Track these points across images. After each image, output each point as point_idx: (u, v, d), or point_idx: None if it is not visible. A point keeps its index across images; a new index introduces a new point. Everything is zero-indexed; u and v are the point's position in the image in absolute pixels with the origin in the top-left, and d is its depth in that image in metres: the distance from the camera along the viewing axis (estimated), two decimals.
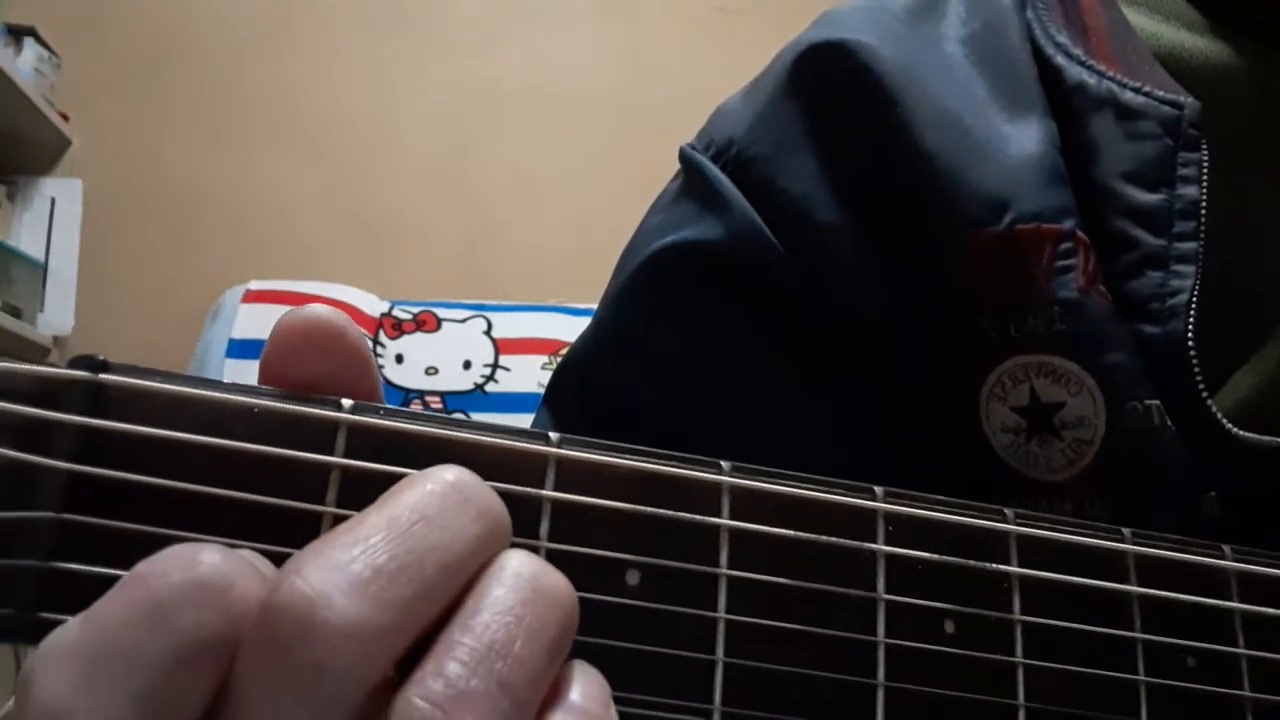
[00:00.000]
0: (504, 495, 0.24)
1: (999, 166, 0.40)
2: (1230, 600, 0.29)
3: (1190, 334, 0.36)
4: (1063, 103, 0.41)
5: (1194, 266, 0.37)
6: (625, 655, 0.25)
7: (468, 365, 1.82)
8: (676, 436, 0.30)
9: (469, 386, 1.81)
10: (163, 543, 0.22)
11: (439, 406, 1.78)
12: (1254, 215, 0.41)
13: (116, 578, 0.21)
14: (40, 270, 1.99)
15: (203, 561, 0.21)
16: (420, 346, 1.84)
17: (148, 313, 2.06)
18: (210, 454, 0.24)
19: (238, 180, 2.17)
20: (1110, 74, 0.41)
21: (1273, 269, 0.41)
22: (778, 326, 0.43)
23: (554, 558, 0.24)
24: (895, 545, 0.27)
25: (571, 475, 0.25)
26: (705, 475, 0.26)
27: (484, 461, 0.24)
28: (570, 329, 1.85)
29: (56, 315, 2.01)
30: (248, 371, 1.62)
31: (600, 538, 0.25)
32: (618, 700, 0.24)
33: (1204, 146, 0.38)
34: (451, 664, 0.21)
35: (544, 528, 0.25)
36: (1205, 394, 0.36)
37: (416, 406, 1.76)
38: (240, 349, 1.77)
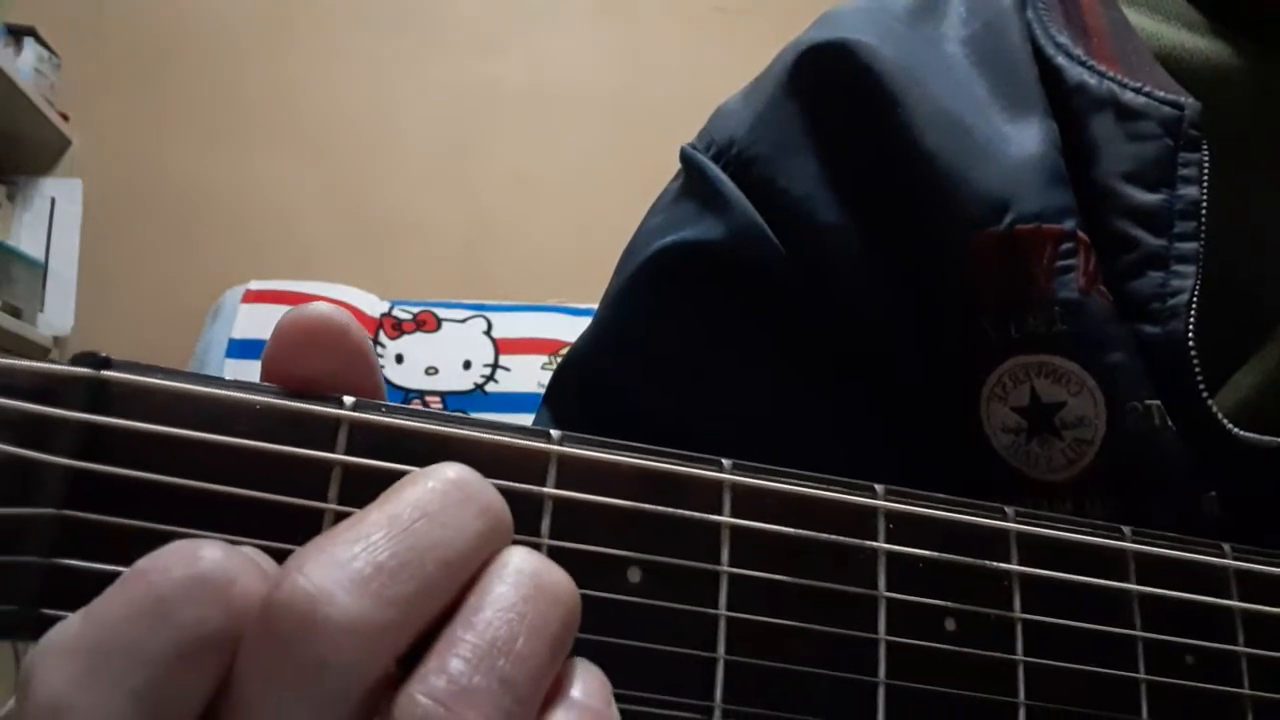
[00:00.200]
0: (505, 492, 0.24)
1: (999, 167, 0.40)
2: (1230, 598, 0.29)
3: (1190, 334, 0.36)
4: (1063, 103, 0.41)
5: (1194, 267, 0.37)
6: (626, 652, 0.25)
7: (468, 365, 1.82)
8: (677, 436, 0.30)
9: (469, 386, 1.81)
10: (165, 539, 0.22)
11: (439, 406, 1.78)
12: (1254, 215, 0.41)
13: (118, 574, 0.21)
14: (40, 270, 1.99)
15: (204, 557, 0.21)
16: (420, 346, 1.84)
17: (148, 313, 2.06)
18: (212, 450, 0.24)
19: (238, 180, 2.17)
20: (1111, 74, 0.41)
21: (1273, 269, 0.41)
22: (778, 326, 0.43)
23: (555, 555, 0.24)
24: (896, 543, 0.27)
25: (573, 472, 0.25)
26: (706, 473, 0.26)
27: (485, 459, 0.25)
28: (570, 329, 1.85)
29: (56, 315, 2.01)
30: (248, 371, 1.62)
31: (601, 535, 0.25)
32: (618, 698, 0.24)
33: (1204, 147, 0.38)
34: (454, 660, 0.21)
35: (545, 525, 0.25)
36: (1205, 394, 0.36)
37: (416, 406, 1.76)
38: (240, 349, 1.77)
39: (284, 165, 2.19)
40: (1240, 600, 0.29)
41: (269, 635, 0.20)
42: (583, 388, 0.47)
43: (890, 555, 0.27)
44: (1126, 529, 0.29)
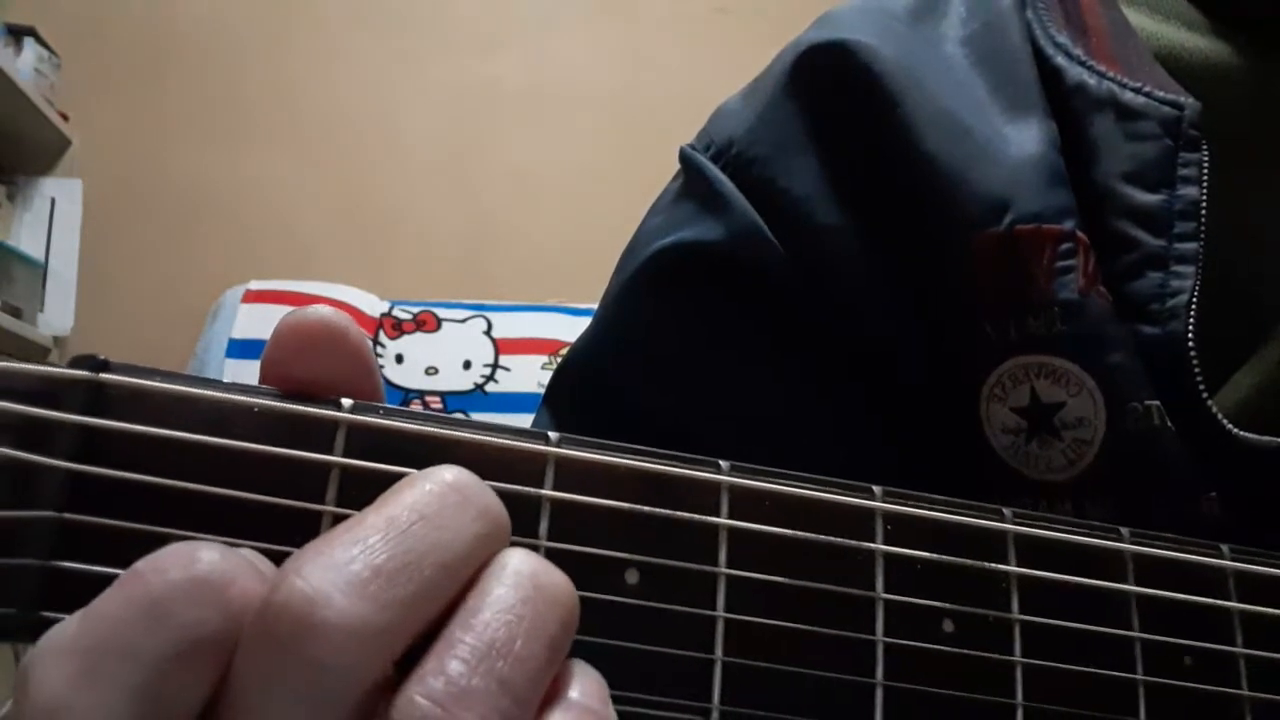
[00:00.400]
0: (503, 495, 0.24)
1: (999, 167, 0.40)
2: (1228, 599, 0.29)
3: (1190, 335, 0.36)
4: (1063, 103, 0.41)
5: (1194, 267, 0.37)
6: (624, 654, 0.25)
7: (468, 365, 1.83)
8: (676, 437, 0.30)
9: (469, 386, 1.81)
10: (163, 542, 0.22)
11: (439, 406, 1.79)
12: (1254, 215, 0.41)
13: (117, 577, 0.21)
14: (40, 270, 1.99)
15: (201, 559, 0.21)
16: (420, 346, 1.84)
17: (148, 313, 2.06)
18: (210, 453, 0.24)
19: (238, 180, 2.17)
20: (1110, 74, 0.41)
21: (1272, 269, 0.41)
22: (778, 327, 0.43)
23: (553, 557, 0.24)
24: (894, 544, 0.27)
25: (570, 475, 0.25)
26: (704, 474, 0.26)
27: (483, 461, 0.25)
28: (570, 329, 1.85)
29: (56, 315, 2.01)
30: (248, 371, 1.62)
31: (599, 537, 0.25)
32: (617, 699, 0.24)
33: (1204, 147, 0.38)
34: (453, 662, 0.21)
35: (543, 527, 0.25)
36: (1205, 394, 0.36)
37: (416, 406, 1.76)
38: (240, 349, 1.77)
39: (284, 165, 2.19)
40: (1238, 601, 0.29)
41: (267, 637, 0.20)
42: (582, 388, 0.47)
43: (888, 557, 0.27)
44: (1124, 530, 0.29)
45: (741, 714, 0.25)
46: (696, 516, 0.26)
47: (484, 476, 0.24)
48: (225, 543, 0.23)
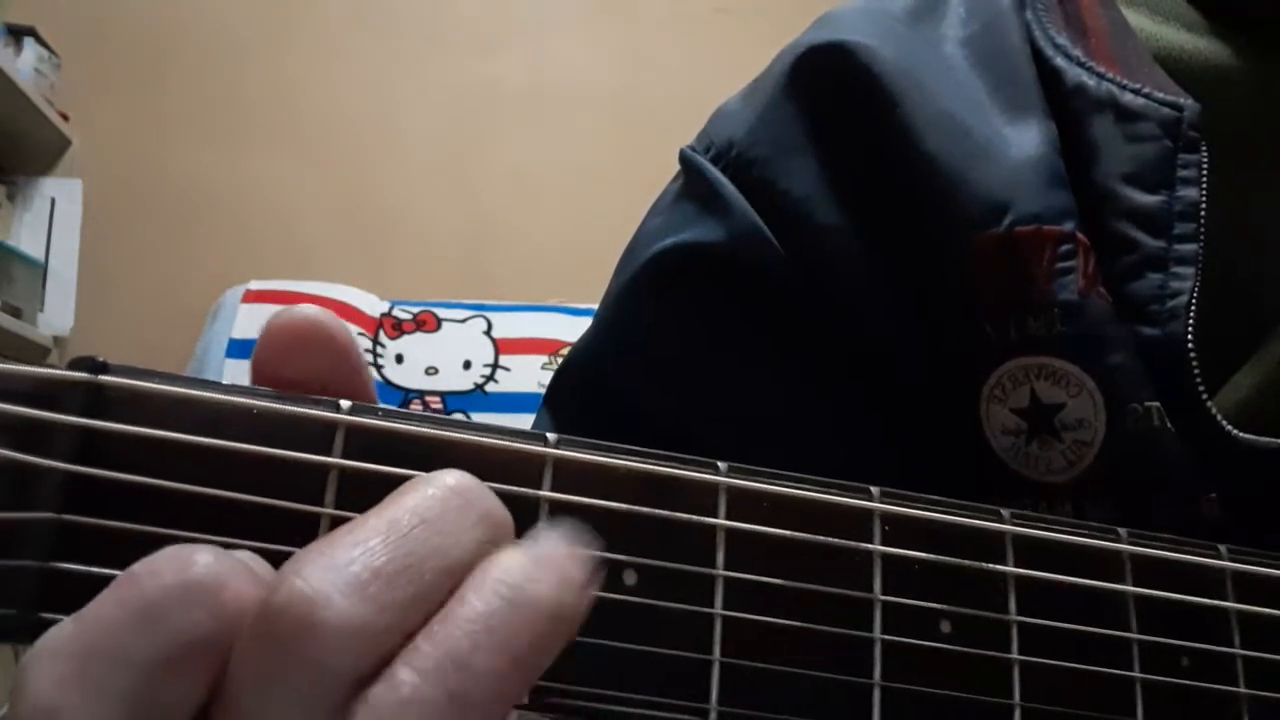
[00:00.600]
0: (502, 496, 0.24)
1: (999, 168, 0.40)
2: (1226, 600, 0.29)
3: (1190, 336, 0.36)
4: (1062, 104, 0.41)
5: (1194, 268, 0.37)
6: (622, 655, 0.25)
7: (468, 365, 1.82)
8: (677, 438, 0.30)
9: (469, 386, 1.81)
10: (162, 543, 0.22)
11: (439, 407, 1.78)
12: (1253, 216, 0.41)
13: (116, 578, 0.22)
14: (40, 270, 1.99)
15: (196, 563, 0.21)
16: (420, 346, 1.84)
17: (148, 313, 2.06)
18: (209, 455, 0.24)
19: (238, 180, 2.17)
20: (1110, 75, 0.41)
21: (1272, 269, 0.41)
22: (778, 327, 0.43)
23: None
24: (891, 545, 0.27)
25: (569, 476, 0.25)
26: (702, 475, 0.26)
27: (481, 462, 0.25)
28: (570, 329, 1.85)
29: (56, 315, 2.01)
30: (248, 372, 1.61)
31: (597, 538, 0.25)
32: (615, 700, 0.24)
33: (1203, 148, 0.38)
34: (404, 670, 0.21)
35: (543, 528, 0.25)
36: (1205, 395, 0.36)
37: (416, 406, 1.76)
38: (240, 349, 1.77)
39: (284, 165, 2.19)
40: (1236, 601, 0.29)
41: (266, 636, 0.20)
42: (583, 389, 0.47)
43: (886, 558, 0.27)
44: (1122, 530, 0.29)
45: (739, 714, 0.25)
46: (694, 517, 0.26)
47: (482, 478, 0.24)
48: (223, 544, 0.23)
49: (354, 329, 1.82)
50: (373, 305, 1.89)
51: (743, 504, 0.26)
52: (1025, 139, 0.40)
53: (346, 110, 2.24)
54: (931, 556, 0.27)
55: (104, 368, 0.24)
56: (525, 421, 0.40)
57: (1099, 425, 0.37)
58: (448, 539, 0.22)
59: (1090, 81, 0.41)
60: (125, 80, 2.18)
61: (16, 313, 1.88)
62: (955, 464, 0.40)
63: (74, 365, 0.24)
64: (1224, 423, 0.35)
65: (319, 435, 0.24)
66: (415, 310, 1.89)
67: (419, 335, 1.85)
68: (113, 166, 2.13)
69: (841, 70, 0.44)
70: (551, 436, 0.26)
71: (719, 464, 0.27)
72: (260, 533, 0.23)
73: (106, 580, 0.22)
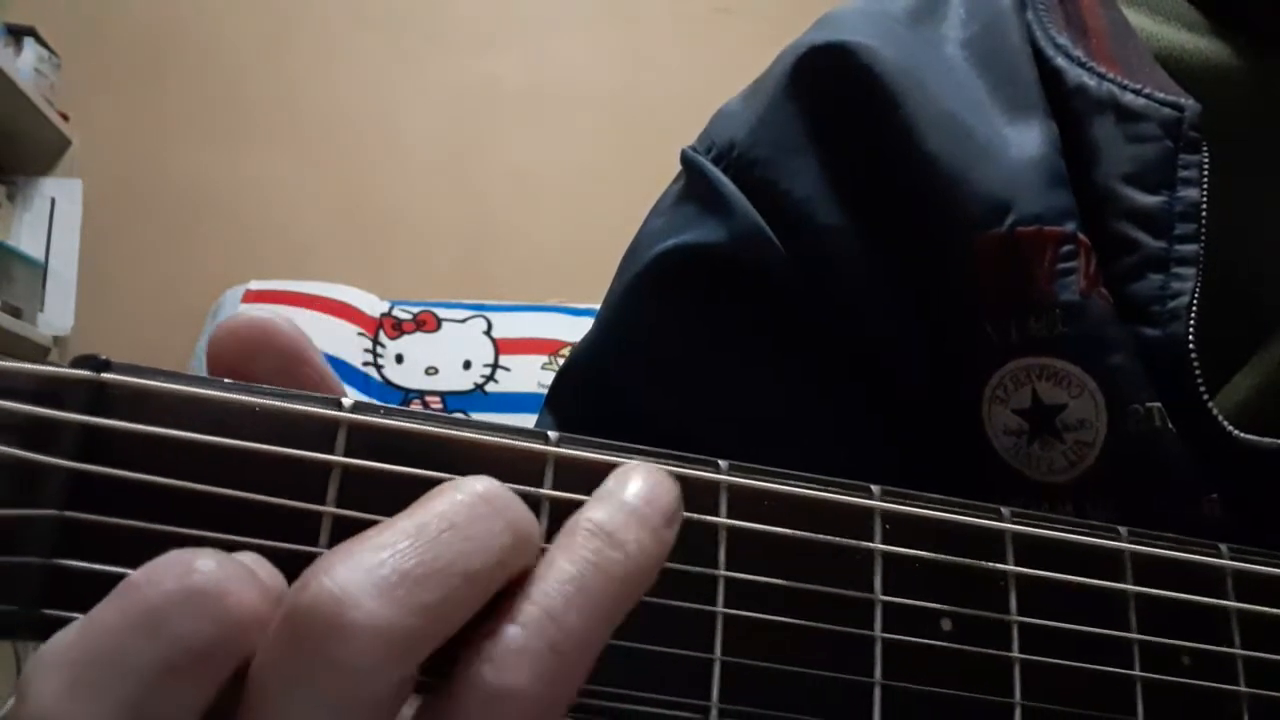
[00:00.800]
0: None
1: (1000, 168, 0.40)
2: (1227, 599, 0.29)
3: (1191, 336, 0.36)
4: (1063, 104, 0.41)
5: (1194, 269, 0.37)
6: (623, 654, 0.25)
7: (468, 365, 1.82)
8: (679, 438, 0.30)
9: (469, 386, 1.81)
10: (164, 540, 0.22)
11: (439, 406, 1.78)
12: (1254, 216, 0.41)
13: (118, 575, 0.22)
14: (40, 270, 1.99)
15: (197, 569, 0.21)
16: (420, 346, 1.84)
17: (148, 313, 2.06)
18: (211, 453, 0.24)
19: (238, 180, 2.18)
20: (1110, 75, 0.41)
21: (1272, 270, 0.41)
22: (780, 328, 0.43)
23: None
24: (892, 544, 0.27)
25: (570, 474, 0.25)
26: (703, 474, 0.26)
27: (483, 460, 0.25)
28: (570, 329, 1.85)
29: (56, 315, 2.01)
30: None
31: None
32: (616, 698, 0.24)
33: (1204, 148, 0.38)
34: (510, 626, 0.22)
35: (543, 527, 0.25)
36: (1206, 396, 0.36)
37: (416, 406, 1.76)
38: None
39: (284, 165, 2.19)
40: (1237, 601, 0.29)
41: (293, 637, 0.20)
42: (585, 390, 0.47)
43: (886, 556, 0.27)
44: (1122, 529, 0.29)
45: (740, 713, 0.25)
46: (695, 516, 0.26)
47: None
48: (225, 542, 0.23)
49: (354, 329, 1.82)
50: (373, 305, 1.89)
51: (744, 502, 0.26)
52: (1026, 139, 0.40)
53: (346, 110, 2.24)
54: (932, 555, 0.27)
55: (106, 365, 0.24)
56: (526, 422, 0.40)
57: (1100, 426, 0.37)
58: (475, 544, 0.22)
59: (1091, 82, 0.41)
60: (125, 80, 2.19)
61: (16, 313, 1.88)
62: (957, 464, 0.40)
63: (76, 363, 0.24)
64: (1225, 423, 0.36)
65: (321, 433, 0.24)
66: (415, 310, 1.89)
67: (419, 335, 1.85)
68: (113, 166, 2.13)
69: (843, 71, 0.44)
70: (553, 435, 0.26)
71: (720, 462, 0.27)
72: (262, 530, 0.23)
73: (108, 577, 0.22)
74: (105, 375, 0.24)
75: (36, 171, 2.08)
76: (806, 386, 0.43)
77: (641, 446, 0.26)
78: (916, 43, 0.44)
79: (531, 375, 1.81)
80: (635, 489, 0.25)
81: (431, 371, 1.82)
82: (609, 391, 0.46)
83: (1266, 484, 0.35)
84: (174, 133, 2.18)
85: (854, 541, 0.27)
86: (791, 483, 0.27)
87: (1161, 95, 0.40)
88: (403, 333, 1.85)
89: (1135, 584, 0.28)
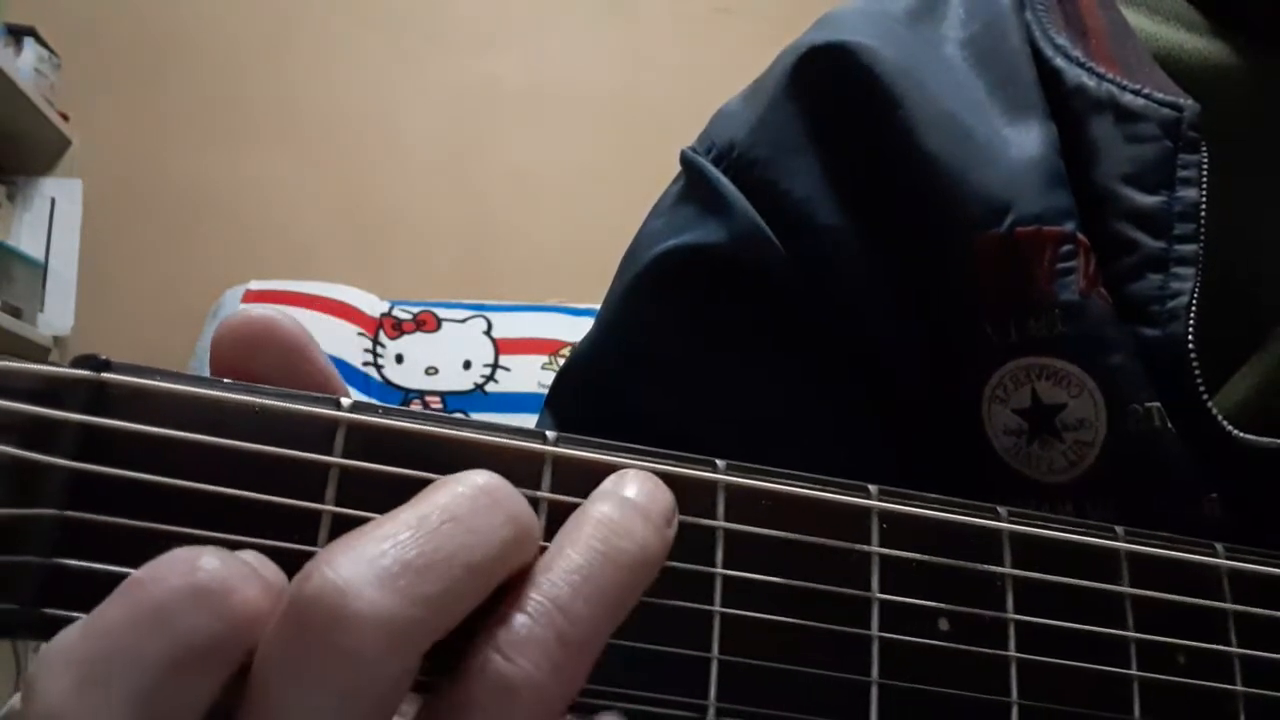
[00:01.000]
0: None
1: (1000, 169, 0.40)
2: (1223, 598, 0.29)
3: (1190, 336, 0.36)
4: (1062, 104, 0.41)
5: (1194, 269, 0.37)
6: (620, 652, 0.25)
7: (468, 365, 1.82)
8: (679, 438, 0.30)
9: (469, 386, 1.81)
10: (164, 539, 0.22)
11: (439, 406, 1.78)
12: (1253, 216, 0.41)
13: (118, 574, 0.22)
14: (40, 270, 1.99)
15: (202, 567, 0.21)
16: (420, 346, 1.84)
17: (148, 313, 2.06)
18: (211, 452, 0.24)
19: (238, 180, 2.18)
20: (1110, 76, 0.41)
21: (1271, 270, 0.41)
22: (779, 328, 0.43)
23: None
24: (890, 543, 0.27)
25: (568, 474, 0.26)
26: (700, 474, 0.26)
27: (481, 460, 0.25)
28: (570, 329, 1.85)
29: (56, 315, 2.01)
30: None
31: None
32: (613, 697, 0.24)
33: (1203, 148, 0.38)
34: (519, 615, 0.22)
35: (540, 527, 0.25)
36: (1205, 396, 0.36)
37: (416, 406, 1.76)
38: None
39: (284, 165, 2.19)
40: (1233, 600, 0.29)
41: (296, 628, 0.21)
42: (585, 391, 0.47)
43: (884, 556, 0.27)
44: (1119, 528, 0.29)
45: (737, 711, 0.25)
46: (691, 518, 0.26)
47: None
48: (225, 541, 0.23)
49: (354, 329, 1.82)
50: (373, 305, 1.89)
51: (741, 502, 0.26)
52: (1026, 139, 0.40)
53: (346, 110, 2.24)
54: (929, 558, 0.27)
55: (106, 365, 0.24)
56: (526, 422, 0.40)
57: (1100, 426, 0.37)
58: (476, 537, 0.22)
59: (1090, 82, 0.41)
60: (125, 80, 2.19)
61: (16, 313, 1.88)
62: (957, 464, 0.40)
63: (76, 363, 0.24)
64: (1224, 423, 0.36)
65: (320, 433, 0.24)
66: (415, 310, 1.88)
67: (419, 335, 1.85)
68: (113, 166, 2.13)
69: (842, 71, 0.44)
70: (551, 434, 0.26)
71: (717, 462, 0.27)
72: (261, 530, 0.24)
73: (108, 577, 0.22)
74: (105, 375, 0.24)
75: (36, 171, 2.08)
76: (806, 386, 0.43)
77: (640, 446, 0.26)
78: (916, 43, 0.44)
79: (531, 375, 1.81)
80: (634, 489, 0.25)
81: (431, 371, 1.82)
82: (609, 392, 0.46)
83: (1266, 484, 0.35)
84: (174, 133, 2.18)
85: (851, 544, 0.27)
86: (789, 482, 0.27)
87: (1160, 95, 0.40)
88: (403, 333, 1.85)
89: (1132, 583, 0.28)
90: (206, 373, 0.26)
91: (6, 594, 0.22)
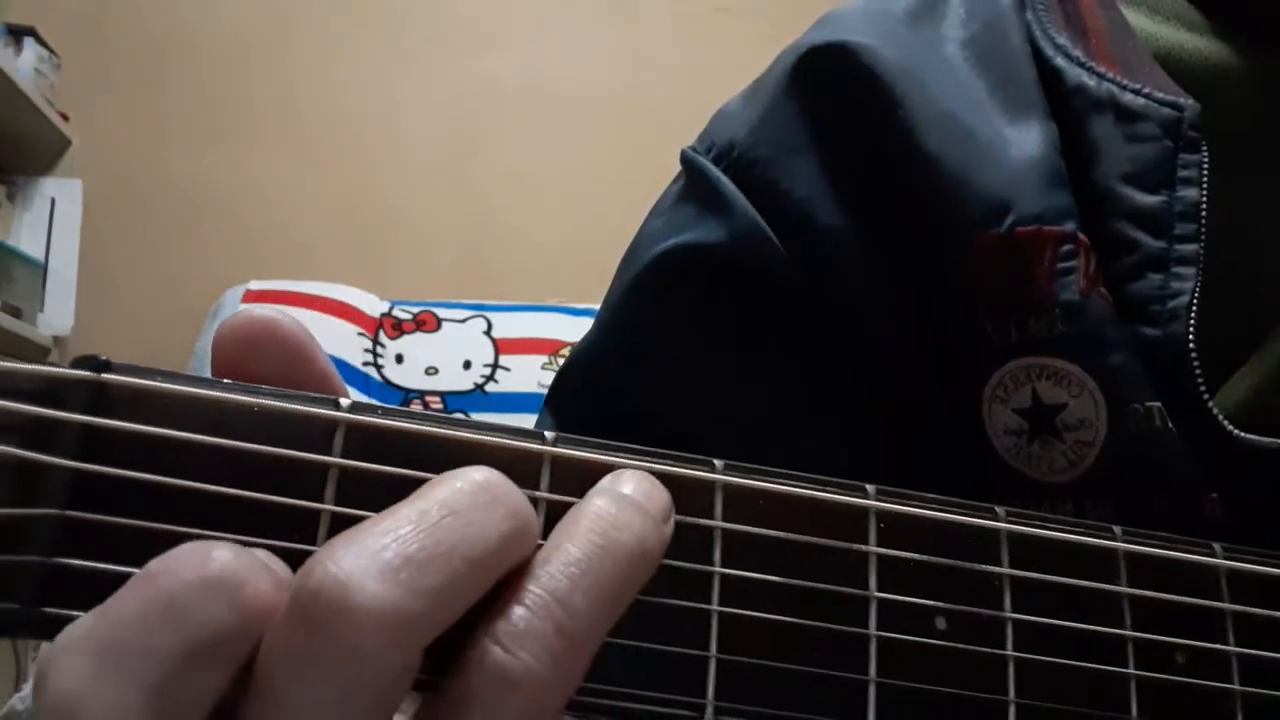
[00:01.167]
0: None
1: (1000, 168, 0.40)
2: (1221, 598, 0.29)
3: (1191, 336, 0.36)
4: (1063, 104, 0.41)
5: (1194, 268, 0.37)
6: (619, 651, 0.25)
7: (468, 365, 1.82)
8: (679, 438, 0.30)
9: (469, 386, 1.81)
10: (164, 539, 0.22)
11: (439, 406, 1.78)
12: (1253, 216, 0.41)
13: (119, 574, 0.22)
14: (40, 270, 1.99)
15: (215, 559, 0.21)
16: (420, 346, 1.84)
17: (148, 313, 2.06)
18: (211, 452, 0.24)
19: (238, 180, 2.18)
20: (1110, 75, 0.41)
21: (1272, 270, 0.41)
22: (779, 328, 0.43)
23: None
24: (887, 542, 0.27)
25: (566, 474, 0.26)
26: (698, 473, 0.27)
27: (479, 460, 0.25)
28: (570, 329, 1.85)
29: (56, 315, 2.01)
30: None
31: None
32: (611, 695, 0.24)
33: (1204, 148, 0.38)
34: (517, 608, 0.22)
35: (539, 526, 0.25)
36: (1206, 396, 0.36)
37: (416, 406, 1.76)
38: None
39: (284, 165, 2.19)
40: (1231, 599, 0.29)
41: (299, 621, 0.21)
42: (585, 391, 0.47)
43: (881, 555, 0.27)
44: (1117, 528, 0.29)
45: (735, 710, 0.25)
46: (689, 519, 0.26)
47: None
48: (227, 541, 0.23)
49: (354, 329, 1.82)
50: (373, 305, 1.89)
51: (739, 502, 0.26)
52: (1026, 139, 0.40)
53: (346, 110, 2.24)
54: (927, 558, 0.27)
55: (107, 366, 0.24)
56: (526, 422, 0.40)
57: (1100, 425, 0.37)
58: (476, 530, 0.22)
59: (1090, 81, 0.41)
60: (125, 80, 2.19)
61: (16, 313, 1.88)
62: (957, 464, 0.40)
63: (77, 364, 0.24)
64: (1225, 423, 0.36)
65: (320, 433, 0.24)
66: (415, 310, 1.88)
67: (419, 335, 1.85)
68: (113, 166, 2.13)
69: (843, 70, 0.44)
70: (549, 435, 0.26)
71: (716, 462, 0.27)
72: (261, 529, 0.24)
73: (109, 576, 0.22)
74: (106, 375, 0.24)
75: (36, 171, 2.08)
76: (806, 386, 0.43)
77: (638, 446, 0.27)
78: (916, 42, 0.44)
79: (531, 375, 1.81)
80: (631, 487, 0.25)
81: (431, 371, 1.82)
82: (609, 392, 0.46)
83: (1266, 484, 0.35)
84: (174, 133, 2.18)
85: (848, 544, 0.27)
86: (787, 482, 0.27)
87: (1161, 95, 0.40)
88: (403, 333, 1.85)
89: (1129, 583, 0.28)
90: (206, 373, 0.26)
91: (8, 593, 0.22)
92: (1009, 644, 0.27)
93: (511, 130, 2.29)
